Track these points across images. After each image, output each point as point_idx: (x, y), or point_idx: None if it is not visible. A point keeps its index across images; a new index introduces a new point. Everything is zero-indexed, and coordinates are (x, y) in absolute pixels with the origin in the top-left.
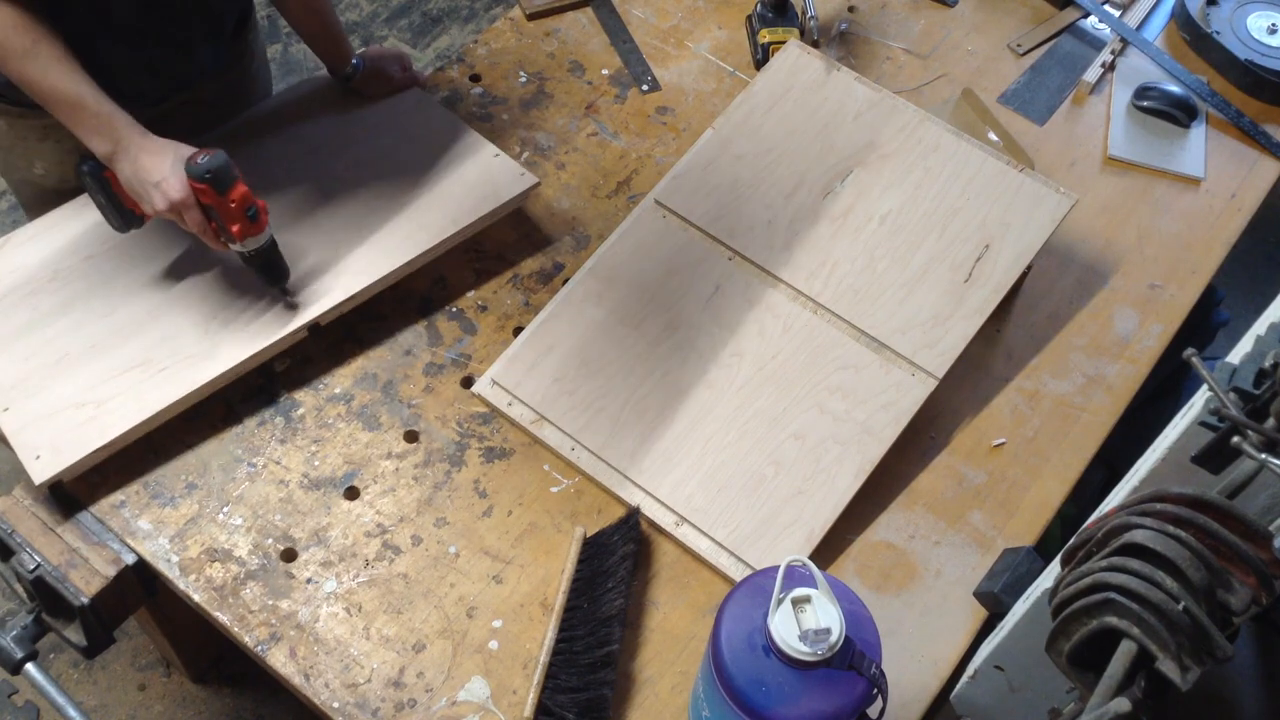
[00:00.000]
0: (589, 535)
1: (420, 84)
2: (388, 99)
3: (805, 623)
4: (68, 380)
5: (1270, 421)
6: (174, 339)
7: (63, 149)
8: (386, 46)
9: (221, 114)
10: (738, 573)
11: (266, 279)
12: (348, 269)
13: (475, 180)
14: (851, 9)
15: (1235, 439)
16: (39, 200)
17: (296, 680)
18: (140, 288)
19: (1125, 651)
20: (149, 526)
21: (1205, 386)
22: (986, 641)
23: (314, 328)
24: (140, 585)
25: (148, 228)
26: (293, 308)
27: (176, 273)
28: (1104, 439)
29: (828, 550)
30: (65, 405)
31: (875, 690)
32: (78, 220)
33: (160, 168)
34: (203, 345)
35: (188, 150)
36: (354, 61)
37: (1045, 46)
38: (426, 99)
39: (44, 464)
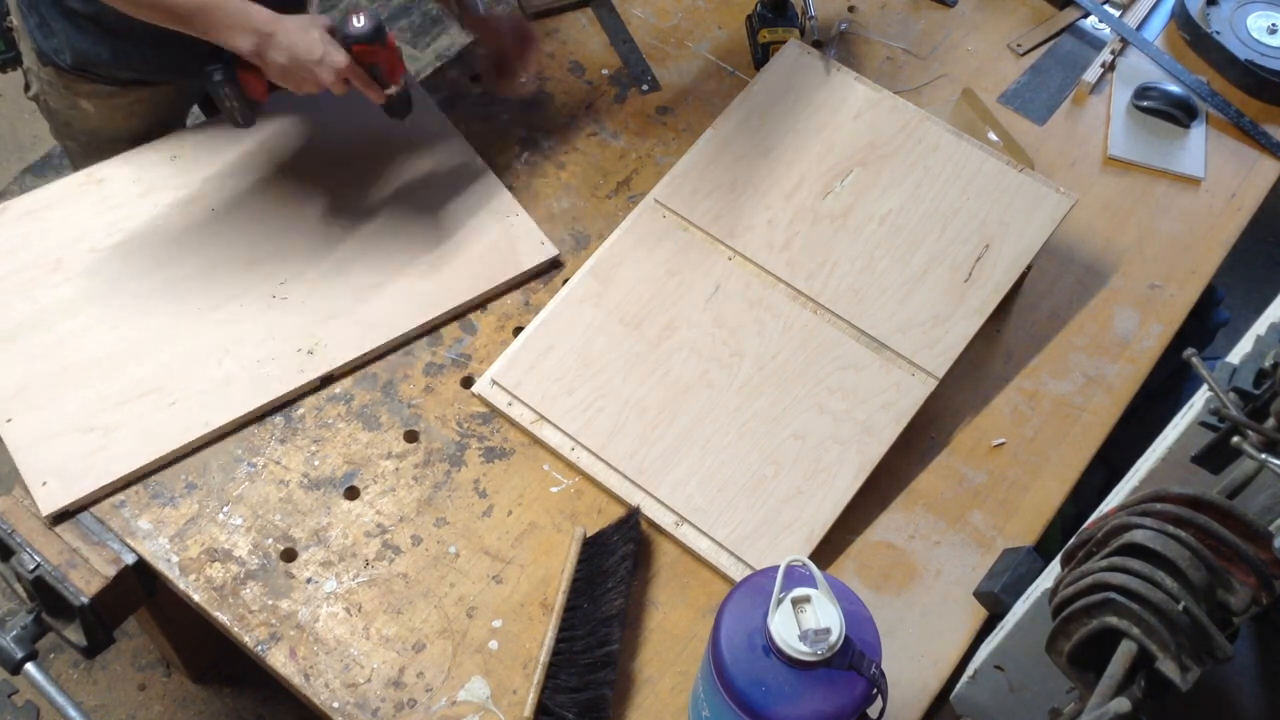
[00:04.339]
0: (589, 535)
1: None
2: (411, 124)
3: (805, 623)
4: (72, 396)
5: (1270, 421)
6: (184, 370)
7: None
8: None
9: None
10: (738, 573)
11: (399, 114)
12: (365, 320)
13: (495, 239)
14: (851, 9)
15: (1235, 439)
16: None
17: (296, 680)
18: (146, 297)
19: (1125, 651)
20: (149, 526)
21: (1205, 386)
22: (986, 641)
23: (328, 376)
24: (140, 585)
25: (152, 240)
26: (309, 354)
27: (183, 286)
28: (1104, 439)
29: (828, 550)
30: (71, 427)
31: (875, 690)
32: (80, 201)
33: (314, 44)
34: (214, 381)
35: (323, 19)
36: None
37: (1045, 46)
38: (448, 128)
39: (51, 493)
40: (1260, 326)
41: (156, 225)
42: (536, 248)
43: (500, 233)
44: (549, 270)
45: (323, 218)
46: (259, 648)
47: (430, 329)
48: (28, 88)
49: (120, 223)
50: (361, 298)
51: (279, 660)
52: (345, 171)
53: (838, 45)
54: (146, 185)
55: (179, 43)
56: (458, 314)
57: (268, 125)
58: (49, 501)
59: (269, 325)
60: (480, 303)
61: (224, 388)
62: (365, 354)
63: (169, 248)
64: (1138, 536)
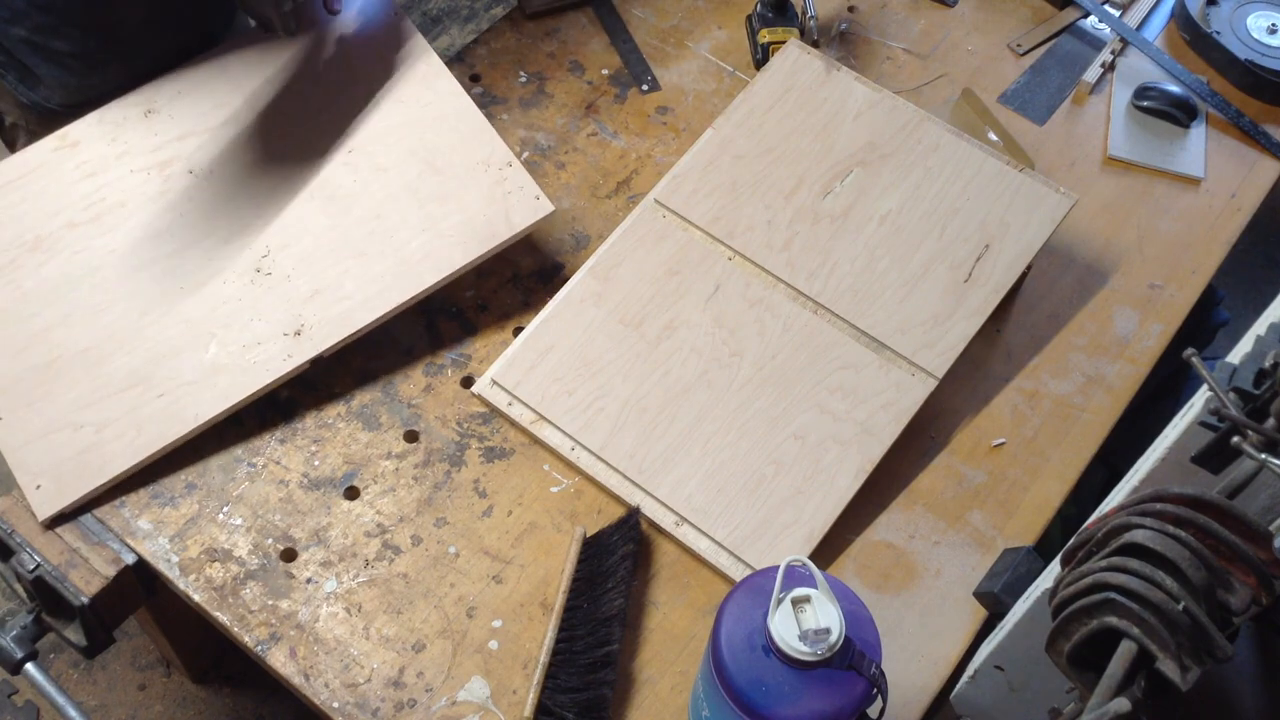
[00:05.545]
0: (589, 535)
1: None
2: (399, 66)
3: (805, 623)
4: (62, 391)
5: (1270, 421)
6: (172, 358)
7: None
8: None
9: None
10: (738, 573)
11: None
12: (354, 295)
13: (486, 195)
14: (851, 9)
15: (1235, 439)
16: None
17: (296, 680)
18: (128, 278)
19: (1125, 651)
20: (149, 526)
21: (1205, 386)
22: (986, 641)
23: (316, 359)
24: (140, 585)
25: (131, 212)
26: (295, 335)
27: (164, 263)
28: (1104, 439)
29: (828, 550)
30: (62, 424)
31: (875, 690)
32: (55, 169)
33: None
34: (203, 371)
35: None
36: None
37: (1045, 46)
38: (437, 67)
39: (46, 496)
40: (1260, 326)
41: (135, 194)
42: (530, 204)
43: (492, 187)
44: (549, 271)
45: (303, 175)
46: (259, 648)
47: (421, 302)
48: (12, 145)
49: (98, 191)
50: (346, 269)
51: (279, 660)
52: (327, 119)
53: (838, 45)
54: (122, 147)
55: (161, 59)
56: (447, 284)
57: (243, 74)
58: (45, 506)
59: (253, 305)
60: (478, 302)
61: (211, 377)
62: (354, 333)
63: (148, 220)
64: (1138, 536)
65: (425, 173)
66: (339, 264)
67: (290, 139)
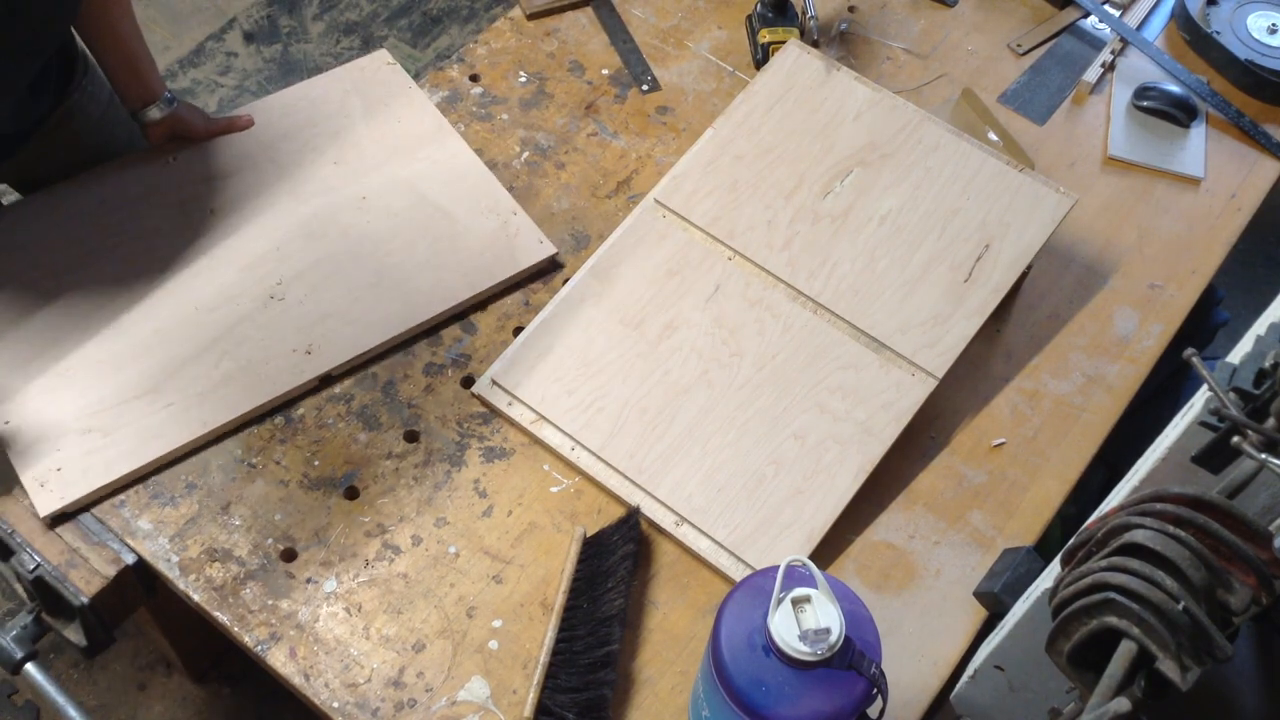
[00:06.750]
0: (589, 535)
1: (224, 131)
2: (410, 128)
3: (805, 623)
4: (71, 399)
5: (1270, 421)
6: (181, 371)
7: None
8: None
9: (38, 182)
10: (738, 573)
11: None
12: (361, 319)
13: (493, 237)
14: (851, 9)
15: (1235, 439)
16: None
17: (296, 680)
18: (144, 299)
19: (1125, 651)
20: (149, 526)
21: (1205, 386)
22: (986, 641)
23: (325, 377)
24: (140, 585)
25: (151, 241)
26: (306, 354)
27: (181, 287)
28: (1104, 439)
29: (828, 550)
30: (70, 430)
31: (875, 690)
32: (78, 204)
33: None
34: (212, 382)
35: None
36: (166, 95)
37: (1045, 46)
38: (445, 129)
39: (49, 494)
40: (1260, 326)
41: (155, 227)
42: (535, 246)
43: (498, 231)
44: (549, 270)
45: (317, 217)
46: (259, 648)
47: (428, 329)
48: None
49: (119, 224)
50: (358, 297)
51: (279, 660)
52: (341, 171)
53: (838, 45)
54: (144, 188)
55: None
56: (455, 314)
57: (261, 129)
58: (47, 504)
59: (266, 326)
60: (478, 303)
61: (221, 388)
62: (362, 354)
63: (167, 249)
64: (1138, 536)
65: (435, 216)
66: (350, 292)
67: (305, 185)
